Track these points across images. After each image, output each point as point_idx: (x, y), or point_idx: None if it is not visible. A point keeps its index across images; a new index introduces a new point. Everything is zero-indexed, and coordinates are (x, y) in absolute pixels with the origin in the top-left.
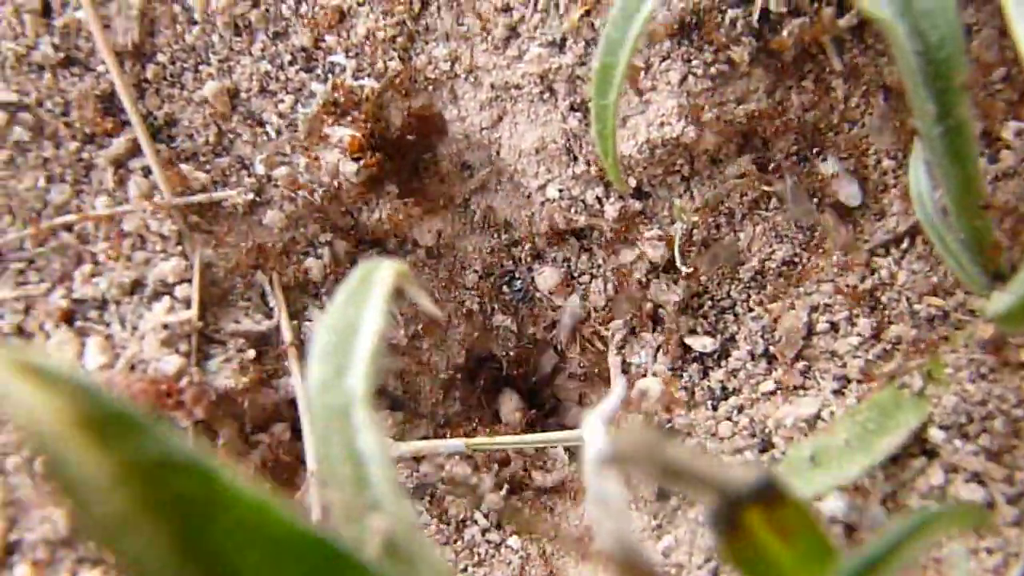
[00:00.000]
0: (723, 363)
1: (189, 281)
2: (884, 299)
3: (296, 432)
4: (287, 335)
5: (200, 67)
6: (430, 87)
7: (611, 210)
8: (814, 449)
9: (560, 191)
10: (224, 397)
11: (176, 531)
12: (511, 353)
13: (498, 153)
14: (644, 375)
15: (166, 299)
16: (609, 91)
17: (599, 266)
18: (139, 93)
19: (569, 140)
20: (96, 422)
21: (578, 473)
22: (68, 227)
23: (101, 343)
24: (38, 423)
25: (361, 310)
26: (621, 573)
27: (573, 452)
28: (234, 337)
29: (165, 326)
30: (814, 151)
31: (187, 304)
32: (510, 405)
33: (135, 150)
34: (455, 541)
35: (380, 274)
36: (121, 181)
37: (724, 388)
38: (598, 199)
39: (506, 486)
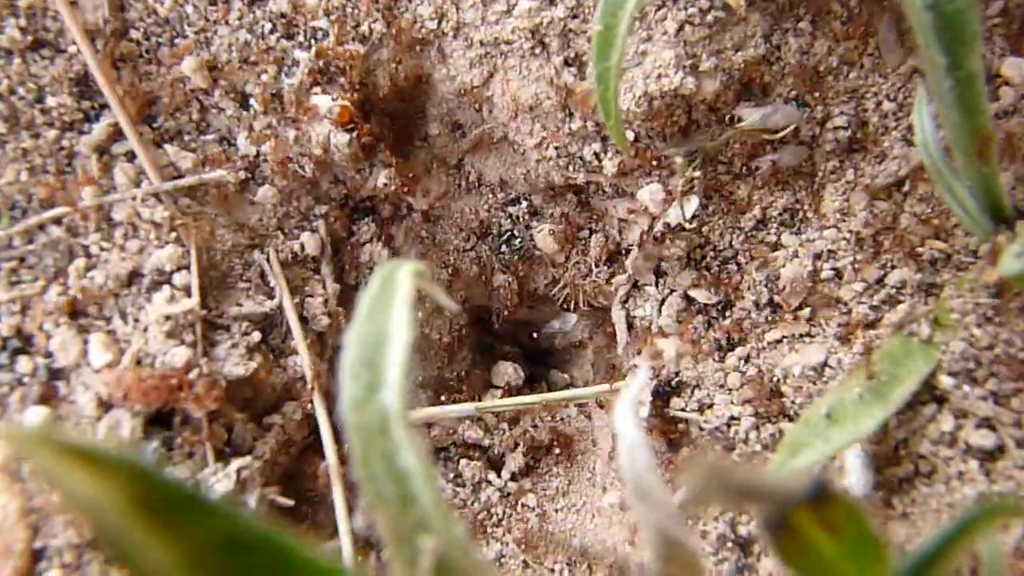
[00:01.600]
0: (728, 314)
1: (187, 268)
2: (886, 243)
3: (306, 410)
4: (291, 315)
5: (176, 40)
6: (417, 47)
7: (610, 165)
8: (830, 406)
9: (557, 148)
10: (234, 384)
11: None
12: (512, 311)
13: (490, 112)
14: (649, 328)
15: (166, 288)
16: (611, 53)
17: (598, 220)
18: (115, 73)
19: (564, 96)
20: (158, 504)
21: (589, 426)
22: (56, 220)
23: (104, 340)
24: (97, 511)
25: (387, 320)
26: (666, 563)
27: (580, 406)
28: (238, 321)
29: (168, 317)
30: (814, 95)
31: (187, 292)
32: (507, 368)
33: (117, 134)
34: (472, 503)
35: (400, 278)
36: (106, 168)
37: (730, 339)
38: (596, 155)
39: (521, 444)
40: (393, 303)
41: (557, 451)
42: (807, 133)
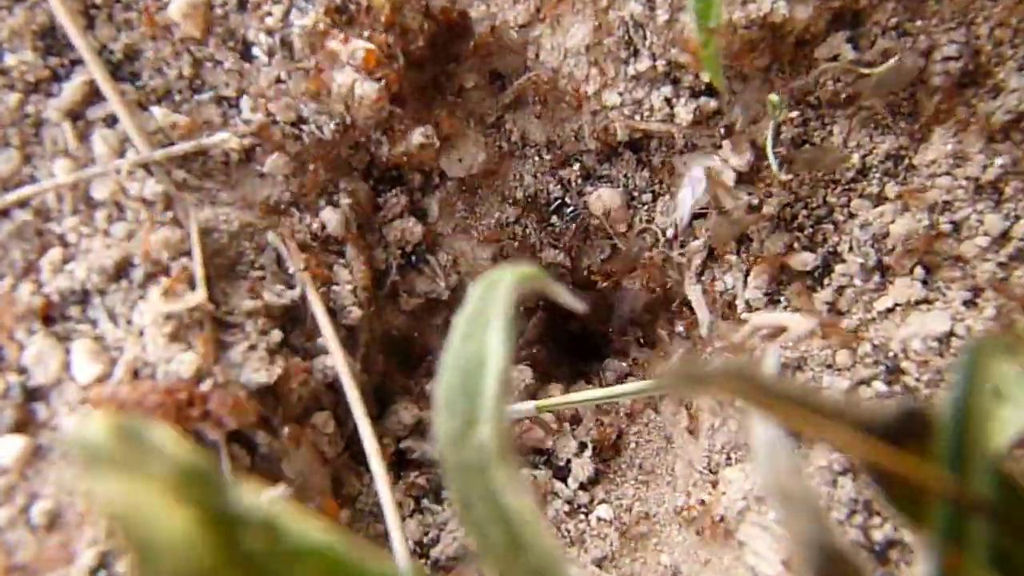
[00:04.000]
0: (827, 281)
1: (188, 254)
2: (1009, 190)
3: (340, 421)
4: (317, 307)
5: None
6: None
7: (683, 112)
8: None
9: (620, 95)
10: (254, 394)
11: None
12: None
13: (537, 56)
14: (732, 304)
15: (163, 280)
16: None
17: (661, 181)
18: (87, 22)
19: (628, 31)
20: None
21: (660, 421)
22: (22, 203)
23: (91, 348)
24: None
25: (484, 342)
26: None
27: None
28: (253, 317)
29: (169, 315)
30: (917, 23)
31: (190, 283)
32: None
33: (93, 95)
34: None
35: (500, 291)
36: (82, 137)
37: (833, 310)
38: (667, 100)
39: (588, 447)
40: (491, 321)
41: (629, 452)
42: (910, 67)
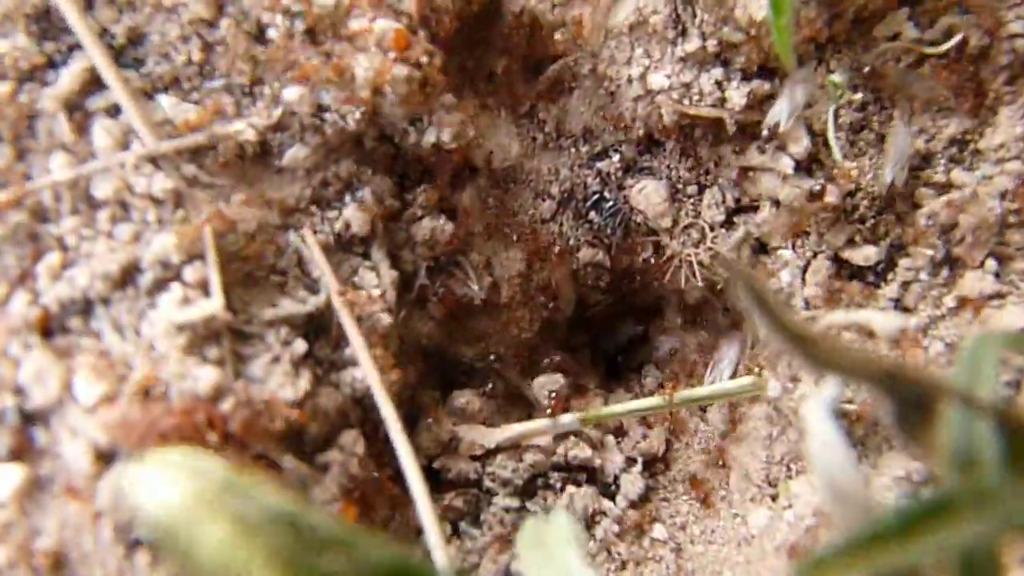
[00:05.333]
0: (892, 276)
1: (201, 257)
2: None
3: (369, 438)
4: (343, 314)
5: None
6: None
7: (735, 96)
8: None
9: (668, 78)
10: (278, 412)
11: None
12: (603, 296)
13: (574, 38)
14: (788, 302)
15: (175, 287)
16: None
17: (708, 172)
18: (87, 3)
19: (676, 8)
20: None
21: (709, 431)
22: (16, 203)
23: (95, 364)
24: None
25: None
26: None
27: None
28: (274, 326)
29: (182, 326)
30: None
31: (205, 290)
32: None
33: (93, 83)
34: (586, 542)
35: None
36: (81, 129)
37: (899, 307)
38: (717, 83)
39: (637, 462)
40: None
41: (679, 464)
42: (975, 44)
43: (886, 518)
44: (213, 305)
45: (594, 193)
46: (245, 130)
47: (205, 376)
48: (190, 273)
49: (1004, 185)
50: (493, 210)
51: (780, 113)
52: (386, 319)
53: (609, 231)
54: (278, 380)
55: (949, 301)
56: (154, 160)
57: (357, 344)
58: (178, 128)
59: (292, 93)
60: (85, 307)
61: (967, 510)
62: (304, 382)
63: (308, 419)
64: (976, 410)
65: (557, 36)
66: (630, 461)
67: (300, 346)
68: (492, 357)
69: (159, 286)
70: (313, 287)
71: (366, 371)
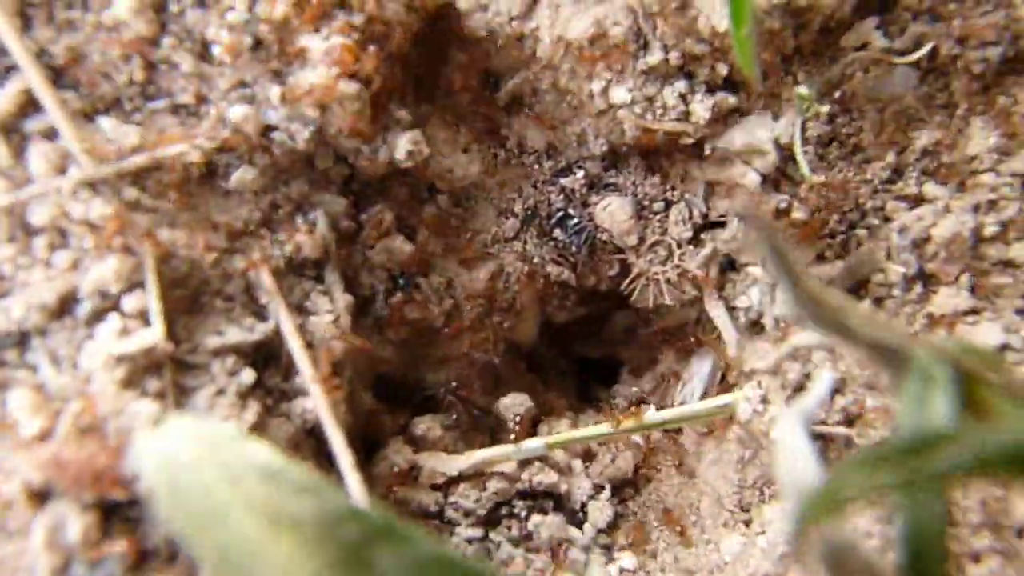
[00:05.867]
0: (863, 292)
1: (142, 286)
2: None
3: (325, 470)
4: (293, 342)
5: None
6: None
7: (700, 109)
8: None
9: (630, 92)
10: None
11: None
12: (569, 315)
13: (534, 52)
14: (758, 321)
15: (114, 317)
16: None
17: (674, 188)
18: (24, 23)
19: (638, 20)
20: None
21: (684, 453)
22: None
23: (30, 398)
24: None
25: None
26: None
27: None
28: (220, 356)
29: (121, 358)
30: (950, 6)
31: (145, 319)
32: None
33: (30, 105)
34: (552, 573)
35: None
36: (17, 153)
37: None
38: (681, 96)
39: (606, 487)
40: None
41: (649, 489)
42: (945, 54)
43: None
44: (153, 335)
45: (558, 210)
46: (190, 151)
47: (144, 411)
48: (130, 302)
49: (978, 198)
50: (454, 229)
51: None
52: (339, 346)
53: (574, 249)
54: (223, 412)
55: (923, 318)
56: (93, 185)
57: (307, 373)
58: (119, 151)
59: (238, 112)
60: (21, 339)
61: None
62: (251, 414)
63: None
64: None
65: (514, 51)
66: (598, 487)
67: (248, 376)
68: (454, 384)
69: (97, 316)
70: (262, 314)
71: (316, 402)
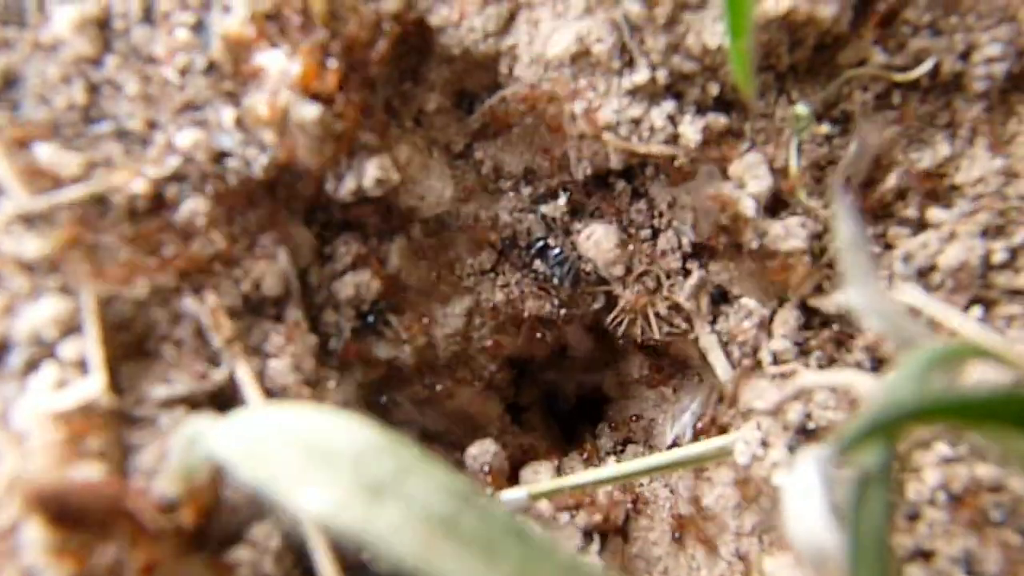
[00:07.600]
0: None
1: (81, 330)
2: None
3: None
4: (249, 390)
5: None
6: None
7: (690, 131)
8: None
9: (615, 113)
10: (173, 514)
11: None
12: (552, 352)
13: (511, 71)
14: (754, 355)
15: (49, 366)
16: None
17: (661, 215)
18: None
19: (623, 37)
20: None
21: (672, 499)
22: None
23: None
24: None
25: None
26: None
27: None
28: (167, 408)
29: (57, 414)
30: (952, 20)
31: (84, 369)
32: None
33: None
34: None
35: None
36: None
37: (876, 361)
38: (670, 118)
39: (595, 539)
40: None
41: (640, 538)
42: (948, 71)
43: None
44: (93, 386)
45: (538, 240)
46: (135, 181)
47: (83, 473)
48: (68, 349)
49: (984, 222)
50: (427, 262)
51: None
52: (305, 392)
53: (556, 281)
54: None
55: None
56: (27, 219)
57: None
58: (57, 180)
59: (188, 137)
60: None
61: None
62: (201, 475)
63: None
64: None
65: (490, 70)
66: (586, 537)
67: None
68: (420, 432)
69: (31, 367)
70: (215, 359)
71: None
